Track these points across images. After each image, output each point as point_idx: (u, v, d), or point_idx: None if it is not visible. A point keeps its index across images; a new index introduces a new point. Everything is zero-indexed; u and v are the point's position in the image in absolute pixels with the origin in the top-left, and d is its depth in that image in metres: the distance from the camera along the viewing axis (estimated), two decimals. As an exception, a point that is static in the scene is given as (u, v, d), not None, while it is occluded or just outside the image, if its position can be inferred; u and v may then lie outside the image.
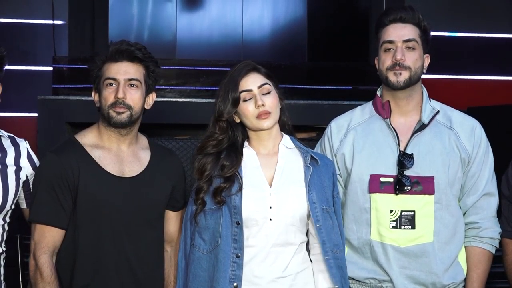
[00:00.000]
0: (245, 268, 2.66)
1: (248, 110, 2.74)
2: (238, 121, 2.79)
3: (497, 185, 2.99)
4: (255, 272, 2.68)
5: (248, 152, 2.79)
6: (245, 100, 2.75)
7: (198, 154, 2.78)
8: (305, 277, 2.75)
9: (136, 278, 2.75)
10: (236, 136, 2.80)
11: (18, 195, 2.83)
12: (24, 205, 2.88)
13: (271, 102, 2.75)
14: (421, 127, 2.91)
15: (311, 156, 2.79)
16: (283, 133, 2.85)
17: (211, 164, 2.74)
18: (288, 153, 2.81)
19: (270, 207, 2.70)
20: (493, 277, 3.15)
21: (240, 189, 2.69)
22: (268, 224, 2.69)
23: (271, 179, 2.74)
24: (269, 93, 2.76)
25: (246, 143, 2.81)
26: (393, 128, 2.90)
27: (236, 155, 2.76)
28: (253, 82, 2.76)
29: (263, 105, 2.72)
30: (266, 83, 2.77)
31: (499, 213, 3.01)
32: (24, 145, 2.87)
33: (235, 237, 2.67)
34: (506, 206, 3.05)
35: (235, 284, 2.65)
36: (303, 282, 2.75)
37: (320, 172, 2.79)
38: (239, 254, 2.66)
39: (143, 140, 2.90)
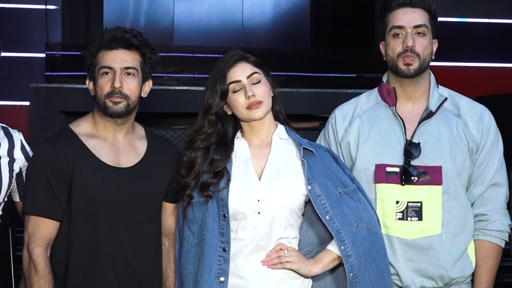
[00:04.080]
0: (231, 262, 2.64)
1: (238, 101, 2.71)
2: (230, 113, 2.76)
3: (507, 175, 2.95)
4: (241, 266, 2.65)
5: (240, 143, 2.76)
6: (234, 92, 2.71)
7: (187, 150, 2.75)
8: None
9: (133, 271, 2.71)
10: (226, 129, 2.77)
11: (11, 187, 2.80)
12: (17, 198, 2.86)
13: (262, 91, 2.71)
14: (429, 114, 2.87)
15: (305, 148, 2.74)
16: (278, 122, 2.81)
17: (200, 159, 2.72)
18: (282, 144, 2.77)
19: (258, 200, 2.67)
20: (501, 271, 3.09)
21: (228, 182, 2.66)
22: (256, 217, 2.66)
23: (262, 171, 2.71)
24: (259, 82, 2.72)
25: (238, 134, 2.78)
26: (399, 116, 2.86)
27: (225, 149, 2.73)
28: (241, 72, 2.72)
29: (253, 95, 2.69)
30: (256, 72, 2.73)
31: (509, 205, 2.97)
32: (17, 136, 2.85)
33: (222, 230, 2.65)
34: None
35: (221, 278, 2.63)
36: (293, 276, 2.72)
37: (322, 159, 2.76)
38: (226, 248, 2.64)
39: (140, 130, 2.86)
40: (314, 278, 2.80)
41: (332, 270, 2.81)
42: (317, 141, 3.01)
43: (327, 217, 2.68)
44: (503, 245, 2.92)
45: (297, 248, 2.76)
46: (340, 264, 2.72)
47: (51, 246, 2.67)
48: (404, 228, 2.80)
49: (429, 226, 2.80)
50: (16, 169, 2.81)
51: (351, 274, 2.69)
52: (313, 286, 2.80)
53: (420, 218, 2.80)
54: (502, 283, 3.43)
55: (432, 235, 2.80)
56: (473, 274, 2.89)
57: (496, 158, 2.90)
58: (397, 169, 2.81)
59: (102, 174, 2.68)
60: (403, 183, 2.80)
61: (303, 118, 4.49)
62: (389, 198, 2.82)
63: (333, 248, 2.72)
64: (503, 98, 5.09)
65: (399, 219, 2.80)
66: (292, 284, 2.71)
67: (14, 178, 2.80)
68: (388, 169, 2.82)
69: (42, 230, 2.64)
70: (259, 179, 2.70)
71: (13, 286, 2.93)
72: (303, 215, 2.78)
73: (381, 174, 2.83)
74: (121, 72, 2.70)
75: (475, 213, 2.89)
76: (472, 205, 2.90)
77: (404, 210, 2.80)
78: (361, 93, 3.05)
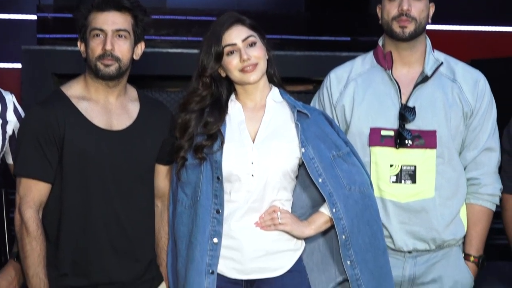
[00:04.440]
0: (224, 223, 2.64)
1: (232, 64, 2.69)
2: (224, 75, 2.75)
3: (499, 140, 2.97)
4: (234, 228, 2.66)
5: (234, 106, 2.75)
6: (229, 54, 2.69)
7: (181, 112, 2.74)
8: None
9: (125, 233, 2.71)
10: (220, 92, 2.76)
11: (4, 150, 2.79)
12: (10, 160, 2.85)
13: (257, 53, 2.70)
14: (424, 79, 2.87)
15: (298, 111, 2.73)
16: (272, 85, 2.80)
17: (194, 121, 2.71)
18: (276, 107, 2.76)
19: (252, 163, 2.66)
20: (493, 233, 3.11)
21: (221, 145, 2.66)
22: (250, 179, 2.66)
23: (256, 134, 2.70)
24: (254, 44, 2.70)
25: (232, 97, 2.77)
26: (395, 80, 2.83)
27: (219, 111, 2.72)
28: (237, 35, 2.70)
29: (248, 59, 2.67)
30: (251, 35, 2.71)
31: (500, 169, 2.99)
32: (10, 98, 2.83)
33: (215, 192, 2.65)
34: (507, 161, 3.03)
35: (215, 239, 2.64)
36: (286, 238, 2.73)
37: (316, 122, 2.75)
38: (219, 210, 2.65)
39: (132, 92, 2.84)
40: (307, 239, 2.82)
41: (325, 232, 2.82)
42: (311, 104, 3.00)
43: (320, 180, 2.69)
44: (494, 209, 2.94)
45: (290, 211, 2.77)
46: (333, 226, 2.73)
47: (43, 209, 2.66)
48: (398, 191, 2.80)
49: (422, 190, 2.81)
50: (9, 131, 2.79)
51: (343, 236, 2.71)
52: (306, 248, 2.82)
53: (414, 181, 2.80)
54: (493, 244, 3.45)
55: (425, 199, 2.81)
56: (464, 237, 2.91)
57: (490, 123, 2.91)
58: (392, 133, 2.81)
59: (94, 137, 2.66)
60: (397, 146, 2.80)
61: (297, 81, 4.47)
62: (383, 161, 2.82)
63: (325, 211, 2.73)
64: (498, 62, 5.06)
65: (393, 182, 2.81)
66: (285, 245, 2.72)
67: (7, 140, 2.78)
68: (383, 132, 2.82)
69: (33, 192, 2.63)
70: (253, 141, 2.69)
71: (7, 247, 2.93)
72: (296, 177, 2.79)
73: (376, 138, 2.83)
74: (113, 34, 2.67)
75: (467, 177, 2.91)
76: (464, 169, 2.90)
77: (398, 173, 2.81)
78: (356, 56, 3.03)
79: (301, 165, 2.75)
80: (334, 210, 2.70)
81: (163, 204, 2.83)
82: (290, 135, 2.72)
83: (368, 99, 2.86)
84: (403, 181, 2.80)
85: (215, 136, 2.68)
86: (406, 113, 2.80)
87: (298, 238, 2.75)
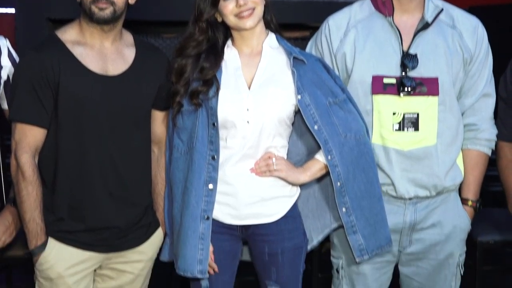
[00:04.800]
0: (220, 169, 2.65)
1: (227, 9, 2.66)
2: (220, 20, 2.72)
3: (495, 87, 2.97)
4: (229, 173, 2.67)
5: (230, 52, 2.74)
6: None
7: (177, 56, 2.72)
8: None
9: (121, 179, 2.71)
10: (216, 37, 2.74)
11: None
12: (5, 105, 2.82)
13: None
14: (424, 26, 2.84)
15: (295, 57, 2.71)
16: (269, 31, 2.77)
17: (190, 66, 2.70)
18: (272, 53, 2.74)
19: (247, 109, 2.66)
20: (487, 181, 3.14)
21: (217, 91, 2.65)
22: (246, 126, 2.66)
23: (252, 80, 2.69)
24: None
25: (229, 43, 2.75)
26: (396, 27, 2.81)
27: (215, 57, 2.71)
28: None
29: (245, 3, 2.64)
30: None
31: (495, 116, 3.01)
32: (4, 43, 2.80)
33: (211, 138, 2.65)
34: (503, 108, 3.05)
35: (210, 185, 2.65)
36: (281, 184, 2.75)
37: (312, 68, 2.74)
38: (215, 156, 2.65)
39: (128, 37, 2.81)
40: (302, 186, 2.83)
41: (320, 179, 2.83)
42: (307, 50, 2.97)
43: (316, 127, 2.69)
44: (490, 154, 2.97)
45: (285, 157, 2.77)
46: (329, 173, 2.74)
47: (39, 154, 2.66)
48: (401, 139, 2.80)
49: (425, 137, 2.81)
50: (4, 76, 2.77)
51: (338, 183, 2.72)
52: (301, 194, 2.83)
53: (416, 129, 2.80)
54: (489, 191, 3.48)
55: (428, 146, 2.81)
56: (461, 183, 2.93)
57: (487, 69, 2.91)
58: (394, 80, 2.79)
59: (89, 82, 2.64)
60: (400, 94, 2.79)
61: (294, 27, 4.43)
62: (386, 109, 2.80)
63: (320, 158, 2.73)
64: (496, 9, 5.01)
65: (396, 130, 2.80)
66: (280, 191, 2.74)
67: (1, 85, 2.76)
68: (385, 80, 2.80)
69: (28, 138, 2.62)
70: (249, 88, 2.68)
71: (3, 193, 2.93)
72: (292, 124, 2.79)
73: (378, 86, 2.80)
74: None
75: (465, 123, 2.91)
76: (462, 115, 2.91)
77: (401, 121, 2.80)
78: (354, 2, 2.98)
79: (297, 112, 2.75)
80: (329, 157, 2.70)
81: (159, 150, 2.84)
82: (286, 82, 2.70)
83: (370, 47, 2.83)
84: (406, 128, 2.80)
85: (211, 82, 2.67)
86: (408, 60, 2.77)
87: (293, 184, 2.77)
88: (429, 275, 2.94)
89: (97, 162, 2.66)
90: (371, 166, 2.76)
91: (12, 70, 2.76)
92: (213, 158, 2.66)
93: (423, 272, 2.94)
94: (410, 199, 2.84)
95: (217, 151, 2.66)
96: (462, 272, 2.97)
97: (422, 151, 2.81)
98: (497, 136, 2.97)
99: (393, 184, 2.82)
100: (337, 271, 2.97)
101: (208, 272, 2.71)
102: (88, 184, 2.66)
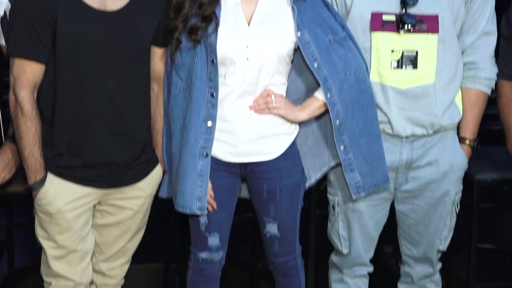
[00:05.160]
0: (218, 107, 2.65)
1: None
2: None
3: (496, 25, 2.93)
4: (228, 110, 2.67)
5: None
6: None
7: None
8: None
9: (120, 115, 2.70)
10: None
11: None
12: (2, 41, 2.80)
13: None
14: None
15: None
16: None
17: (189, 2, 2.66)
18: None
19: (247, 46, 2.64)
20: (487, 119, 3.13)
21: (216, 28, 2.62)
22: (245, 63, 2.65)
23: (251, 17, 2.66)
24: None
25: None
26: None
27: None
28: None
29: None
30: None
31: (496, 54, 2.98)
32: None
33: (210, 76, 2.64)
34: (504, 46, 3.03)
35: (209, 123, 2.66)
36: (280, 122, 2.75)
37: (313, 5, 2.71)
38: (214, 93, 2.64)
39: (127, -29, 2.75)
40: (301, 124, 2.83)
41: (319, 117, 2.83)
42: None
43: (315, 65, 2.68)
44: (489, 93, 2.96)
45: (284, 95, 2.76)
46: (328, 111, 2.73)
47: (38, 90, 2.65)
48: (399, 77, 2.78)
49: (423, 75, 2.79)
50: (1, 12, 2.74)
51: (337, 121, 2.72)
52: (299, 132, 2.83)
53: (415, 67, 2.78)
54: (488, 130, 3.48)
55: (426, 84, 2.80)
56: (459, 122, 2.93)
57: (489, 7, 2.87)
58: (394, 17, 2.76)
59: (87, 17, 2.61)
60: (399, 31, 2.76)
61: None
62: (384, 46, 2.78)
63: (319, 95, 2.73)
64: None
65: (394, 68, 2.78)
66: (279, 129, 2.74)
67: (-1, 21, 2.74)
68: (385, 17, 2.77)
69: (27, 73, 2.61)
70: (248, 24, 2.66)
71: (1, 129, 2.94)
72: (292, 62, 2.77)
73: (377, 22, 2.77)
74: None
75: (465, 61, 2.89)
76: (462, 53, 2.89)
77: (399, 59, 2.78)
78: None
79: (297, 50, 2.73)
80: (328, 95, 2.69)
81: (159, 87, 2.82)
82: (286, 19, 2.68)
83: None
84: (404, 66, 2.78)
85: (210, 18, 2.64)
86: None
87: (292, 122, 2.76)
88: (424, 212, 2.96)
89: (96, 98, 2.65)
90: (370, 104, 2.76)
91: (9, 6, 2.73)
92: (212, 95, 2.65)
93: (419, 210, 2.96)
94: (407, 137, 2.84)
95: (216, 88, 2.65)
96: (457, 211, 3.00)
97: (420, 89, 2.79)
98: (498, 74, 2.95)
99: (389, 122, 2.82)
100: (333, 208, 3.00)
101: (207, 209, 2.73)
102: (86, 120, 2.66)
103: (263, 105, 2.68)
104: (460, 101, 2.91)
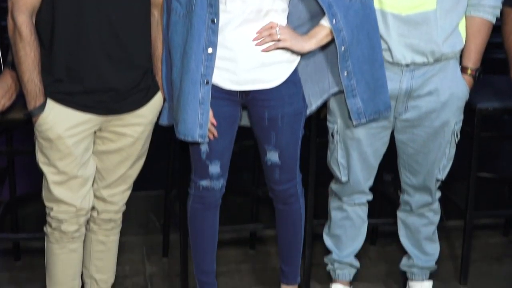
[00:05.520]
0: (219, 34, 2.61)
1: None
2: None
3: None
4: (229, 38, 2.65)
5: None
6: None
7: None
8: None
9: (120, 41, 2.67)
10: None
11: None
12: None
13: None
14: None
15: None
16: None
17: None
18: None
19: None
20: (491, 47, 3.10)
21: None
22: None
23: None
24: None
25: None
26: None
27: None
28: None
29: None
30: None
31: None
32: None
33: (210, 1, 2.60)
34: None
35: (210, 50, 2.63)
36: (282, 51, 2.71)
37: None
38: (215, 20, 2.61)
39: None
40: (303, 54, 2.80)
41: (322, 47, 2.80)
42: None
43: None
44: (494, 21, 2.92)
45: (286, 21, 2.73)
46: (333, 40, 2.70)
47: (37, 15, 2.61)
48: (399, 3, 2.74)
49: (424, 1, 2.75)
50: None
51: (342, 48, 2.69)
52: (300, 60, 2.81)
53: None
54: (493, 58, 3.44)
55: (427, 11, 2.76)
56: (462, 50, 2.90)
57: None
58: None
59: None
60: None
61: None
62: None
63: (325, 23, 2.69)
64: None
65: None
66: (280, 56, 2.72)
67: None
68: None
69: None
70: None
71: (1, 56, 2.91)
72: None
73: None
74: None
75: None
76: None
77: None
78: None
79: (300, -25, 2.69)
80: (334, 22, 2.66)
81: (159, 13, 2.78)
82: None
83: None
84: None
85: None
86: None
87: (298, 53, 2.74)
88: (424, 142, 2.96)
89: (95, 23, 2.61)
90: (375, 30, 2.73)
91: None
92: (212, 21, 2.62)
93: (418, 139, 2.96)
94: (407, 65, 2.82)
95: (216, 14, 2.61)
96: (457, 140, 3.00)
97: (420, 16, 2.75)
98: (503, 1, 2.90)
99: (389, 49, 2.79)
100: (332, 136, 3.00)
101: (208, 137, 2.73)
102: (85, 45, 2.63)
103: (267, 38, 2.65)
104: (464, 30, 2.88)
